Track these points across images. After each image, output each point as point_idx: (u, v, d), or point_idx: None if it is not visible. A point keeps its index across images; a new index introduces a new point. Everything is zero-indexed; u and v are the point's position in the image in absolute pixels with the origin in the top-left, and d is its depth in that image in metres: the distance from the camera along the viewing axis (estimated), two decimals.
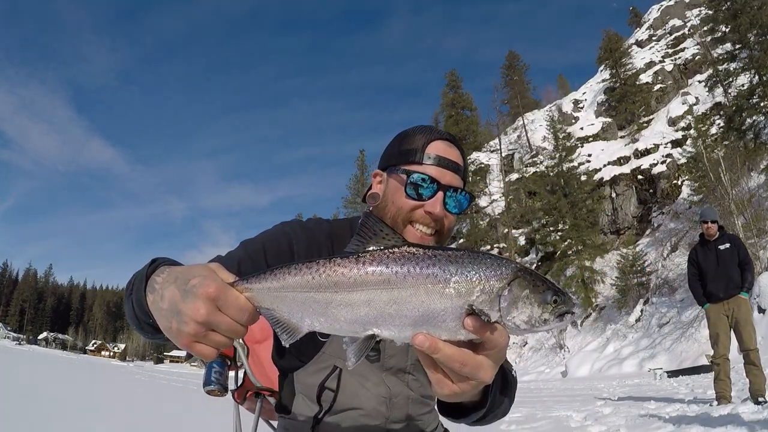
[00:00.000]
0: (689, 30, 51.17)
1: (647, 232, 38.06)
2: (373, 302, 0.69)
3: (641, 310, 29.40)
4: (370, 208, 1.35)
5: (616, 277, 33.14)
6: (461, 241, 45.23)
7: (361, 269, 0.70)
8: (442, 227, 1.27)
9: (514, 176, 49.54)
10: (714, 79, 34.48)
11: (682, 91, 44.52)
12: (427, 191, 1.23)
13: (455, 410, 0.97)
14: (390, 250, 0.71)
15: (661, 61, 50.96)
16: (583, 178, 40.69)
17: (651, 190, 39.51)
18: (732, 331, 6.49)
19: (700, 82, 40.82)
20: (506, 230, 44.65)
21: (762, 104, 29.27)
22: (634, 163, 41.11)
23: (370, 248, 0.73)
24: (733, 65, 31.66)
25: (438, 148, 1.28)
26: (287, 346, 0.75)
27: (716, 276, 6.60)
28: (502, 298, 0.69)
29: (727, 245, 6.66)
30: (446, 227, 1.28)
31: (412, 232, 1.25)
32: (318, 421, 1.24)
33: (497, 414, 1.08)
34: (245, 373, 2.05)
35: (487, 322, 0.67)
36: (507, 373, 1.10)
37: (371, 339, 0.71)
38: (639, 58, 52.22)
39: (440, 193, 1.23)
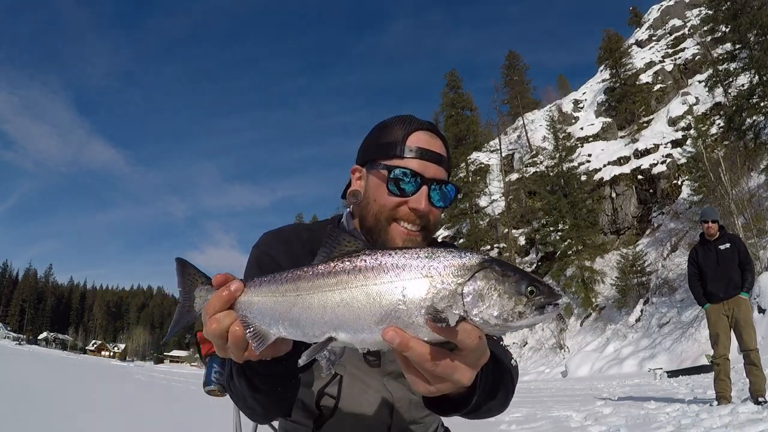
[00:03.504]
0: (689, 30, 51.15)
1: (647, 232, 38.06)
2: (328, 306, 0.70)
3: (641, 310, 29.39)
4: (350, 207, 1.30)
5: (616, 277, 33.13)
6: (461, 241, 45.25)
7: (318, 275, 0.72)
8: (428, 222, 1.21)
9: (514, 176, 49.53)
10: (714, 79, 34.42)
11: (682, 91, 44.50)
12: (411, 186, 1.17)
13: (440, 404, 0.91)
14: (347, 256, 0.72)
15: (661, 61, 50.94)
16: (583, 178, 40.73)
17: (651, 190, 39.51)
18: (732, 331, 6.49)
19: (700, 82, 40.76)
20: (506, 230, 44.63)
21: (762, 104, 29.25)
22: (634, 163, 41.10)
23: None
24: (733, 65, 31.63)
25: (420, 139, 1.20)
26: (257, 353, 0.77)
27: (716, 276, 6.59)
28: (464, 293, 0.64)
29: (728, 245, 6.66)
30: (432, 222, 1.22)
31: (397, 230, 1.19)
32: (318, 427, 1.22)
33: (491, 408, 1.02)
34: None
35: (448, 323, 0.63)
36: (501, 363, 1.03)
37: (329, 343, 0.71)
38: (639, 58, 52.20)
39: (424, 188, 1.17)
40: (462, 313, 0.64)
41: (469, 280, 0.65)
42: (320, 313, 0.70)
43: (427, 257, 0.67)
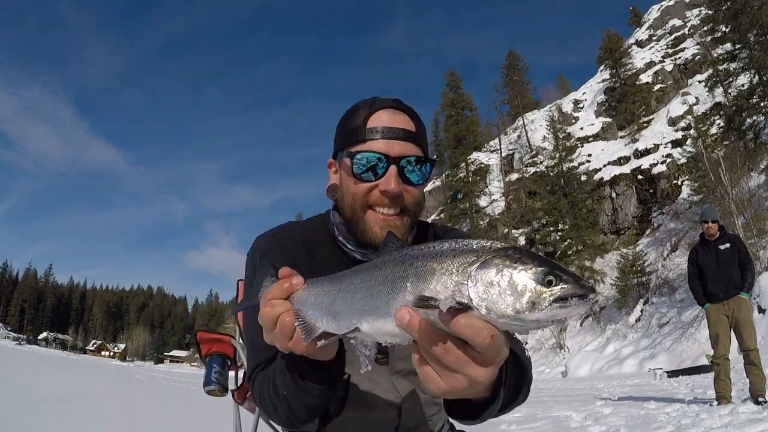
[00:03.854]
0: (689, 30, 51.18)
1: (647, 232, 38.08)
2: (356, 298, 0.73)
3: (641, 310, 29.40)
4: (334, 203, 1.27)
5: (616, 277, 33.14)
6: None
7: (356, 272, 0.76)
8: (405, 203, 1.15)
9: (514, 176, 49.55)
10: (714, 79, 34.45)
11: (682, 91, 44.52)
12: (378, 169, 1.11)
13: (462, 408, 0.86)
14: (383, 255, 0.73)
15: (661, 61, 50.97)
16: (583, 178, 40.76)
17: (651, 190, 39.52)
18: (732, 331, 6.49)
19: (700, 82, 40.78)
20: (506, 230, 44.63)
21: (762, 104, 29.26)
22: (634, 163, 41.12)
23: None
24: (733, 65, 31.66)
25: (381, 118, 1.15)
26: (305, 344, 0.80)
27: (716, 276, 6.59)
28: (470, 280, 0.57)
29: (728, 245, 6.66)
30: (410, 202, 1.15)
31: (373, 217, 1.14)
32: (324, 425, 1.19)
33: (512, 408, 0.98)
34: (245, 373, 2.04)
35: (439, 309, 0.57)
36: (521, 361, 0.96)
37: (352, 333, 0.74)
38: (639, 58, 52.24)
39: (392, 168, 1.10)
40: (466, 301, 0.56)
41: (478, 267, 0.57)
42: (350, 306, 0.74)
43: (442, 246, 0.64)
